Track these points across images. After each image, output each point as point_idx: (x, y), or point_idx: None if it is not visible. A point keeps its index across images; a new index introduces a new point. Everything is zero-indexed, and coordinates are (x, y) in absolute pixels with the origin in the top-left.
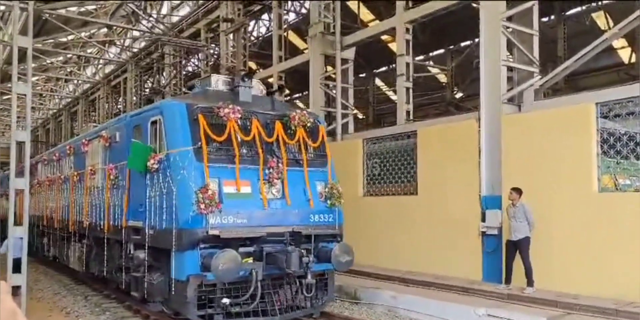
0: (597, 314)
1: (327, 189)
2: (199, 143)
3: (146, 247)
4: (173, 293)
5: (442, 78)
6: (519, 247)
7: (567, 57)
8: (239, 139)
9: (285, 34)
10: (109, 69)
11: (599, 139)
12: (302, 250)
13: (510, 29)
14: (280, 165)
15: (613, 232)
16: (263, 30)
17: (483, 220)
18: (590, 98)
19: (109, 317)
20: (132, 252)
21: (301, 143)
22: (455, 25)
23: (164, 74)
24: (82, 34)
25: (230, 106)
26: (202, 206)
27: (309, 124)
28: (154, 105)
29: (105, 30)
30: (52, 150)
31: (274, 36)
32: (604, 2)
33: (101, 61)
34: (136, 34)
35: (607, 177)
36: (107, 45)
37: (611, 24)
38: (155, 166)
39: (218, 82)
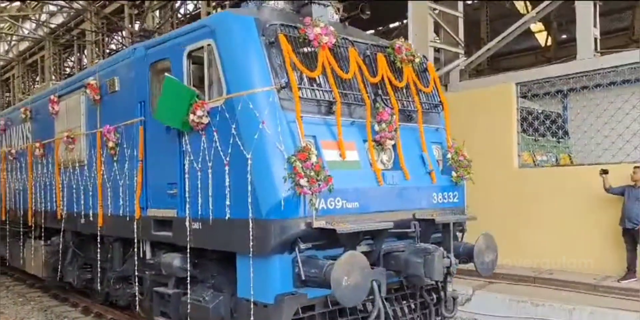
0: (517, 281)
1: (450, 155)
2: (284, 80)
3: (188, 249)
4: None
5: None
6: None
7: (489, 39)
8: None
9: (214, 11)
10: (23, 46)
11: (518, 118)
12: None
13: (437, 11)
14: (394, 118)
15: (532, 205)
16: (191, 7)
17: None
18: (510, 78)
19: (34, 307)
20: (150, 255)
21: (411, 87)
22: (385, 6)
23: (85, 51)
24: None
25: (322, 24)
26: (304, 182)
27: (417, 60)
28: (197, 24)
29: (18, 3)
30: None
31: (202, 14)
32: None
33: (14, 37)
34: (53, 8)
35: (526, 153)
36: (20, 20)
37: (530, 8)
38: (205, 120)
39: None
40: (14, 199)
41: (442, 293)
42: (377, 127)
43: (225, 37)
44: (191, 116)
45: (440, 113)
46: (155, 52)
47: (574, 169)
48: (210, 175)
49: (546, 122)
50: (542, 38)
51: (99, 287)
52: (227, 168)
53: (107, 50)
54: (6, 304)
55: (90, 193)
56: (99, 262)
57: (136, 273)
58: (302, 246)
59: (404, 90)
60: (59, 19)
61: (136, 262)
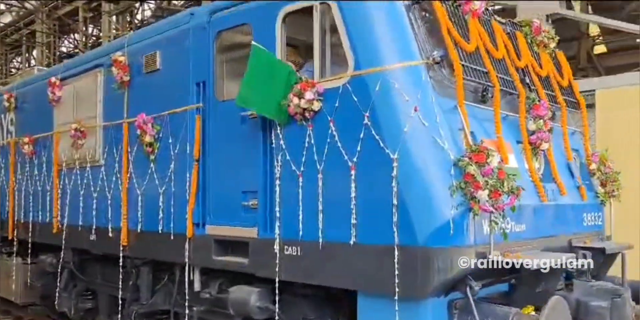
0: None
1: (595, 166)
2: (437, 53)
3: (276, 284)
4: None
5: None
6: None
7: None
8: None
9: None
10: None
11: None
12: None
13: None
14: (549, 114)
15: None
16: (148, 13)
17: None
18: None
19: None
20: (200, 286)
21: (551, 77)
22: None
23: (34, 53)
24: None
25: None
26: (483, 195)
27: (552, 44)
28: None
29: None
30: None
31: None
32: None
33: None
34: (2, 7)
35: None
36: None
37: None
38: (316, 107)
39: None
40: None
41: None
42: (531, 125)
43: None
44: (295, 101)
45: (574, 113)
46: (227, 16)
47: None
48: (320, 182)
49: None
50: None
51: None
52: (352, 172)
53: (58, 53)
54: None
55: (109, 201)
56: (119, 292)
57: (179, 309)
58: (476, 287)
59: (546, 81)
60: (7, 18)
61: (187, 296)
